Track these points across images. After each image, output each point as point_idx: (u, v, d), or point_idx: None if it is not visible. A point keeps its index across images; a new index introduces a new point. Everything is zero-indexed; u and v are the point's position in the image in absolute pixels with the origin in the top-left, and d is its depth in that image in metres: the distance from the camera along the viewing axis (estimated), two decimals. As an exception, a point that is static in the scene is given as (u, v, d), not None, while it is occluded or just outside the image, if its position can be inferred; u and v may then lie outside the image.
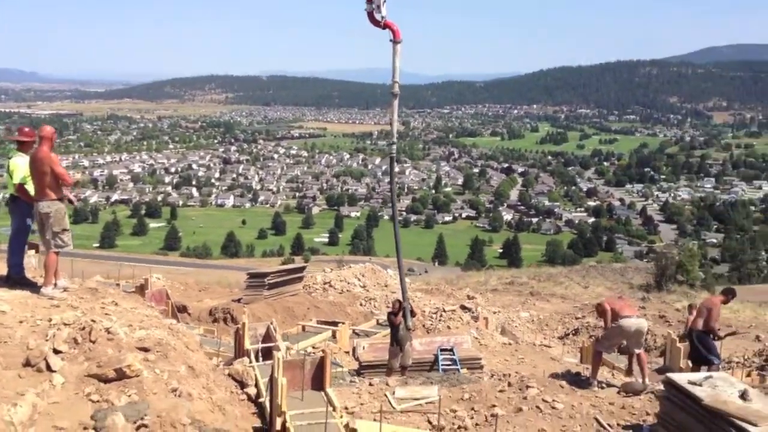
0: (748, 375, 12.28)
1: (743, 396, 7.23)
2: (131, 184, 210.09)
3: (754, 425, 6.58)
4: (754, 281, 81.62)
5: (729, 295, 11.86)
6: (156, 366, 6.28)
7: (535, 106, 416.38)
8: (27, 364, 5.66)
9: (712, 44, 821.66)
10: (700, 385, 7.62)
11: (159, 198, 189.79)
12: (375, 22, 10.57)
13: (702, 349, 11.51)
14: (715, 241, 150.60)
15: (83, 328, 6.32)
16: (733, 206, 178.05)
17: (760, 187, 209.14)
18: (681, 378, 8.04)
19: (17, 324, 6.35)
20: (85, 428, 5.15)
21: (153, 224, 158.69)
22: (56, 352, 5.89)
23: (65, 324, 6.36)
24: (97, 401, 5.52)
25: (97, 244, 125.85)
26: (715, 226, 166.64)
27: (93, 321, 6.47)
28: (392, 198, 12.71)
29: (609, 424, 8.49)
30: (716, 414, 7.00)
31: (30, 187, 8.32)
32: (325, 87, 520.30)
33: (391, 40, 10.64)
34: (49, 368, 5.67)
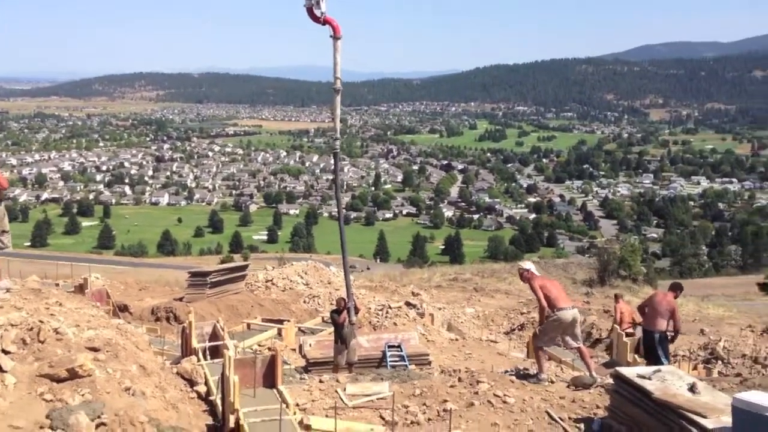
0: (695, 368, 12.69)
1: (692, 389, 7.35)
2: (61, 183, 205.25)
3: (704, 417, 6.72)
4: (695, 275, 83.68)
5: (679, 290, 12.04)
6: (107, 365, 6.14)
7: (472, 103, 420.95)
8: (-24, 365, 5.47)
9: (646, 42, 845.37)
10: (650, 378, 7.71)
11: (91, 196, 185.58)
12: (315, 18, 10.43)
13: (661, 351, 11.59)
14: (655, 236, 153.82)
15: (31, 329, 6.14)
16: (673, 201, 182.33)
17: (698, 183, 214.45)
18: (630, 372, 8.14)
19: (-39, 325, 6.13)
20: (41, 427, 5.07)
21: (86, 223, 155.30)
22: (5, 352, 5.71)
23: (12, 325, 6.17)
24: (51, 401, 5.40)
25: (29, 243, 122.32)
26: (655, 221, 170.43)
27: (41, 321, 6.29)
28: (336, 194, 12.58)
29: (560, 418, 8.58)
30: (666, 407, 7.12)
31: None
32: (260, 84, 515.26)
33: (331, 36, 10.53)
34: (0, 369, 5.50)
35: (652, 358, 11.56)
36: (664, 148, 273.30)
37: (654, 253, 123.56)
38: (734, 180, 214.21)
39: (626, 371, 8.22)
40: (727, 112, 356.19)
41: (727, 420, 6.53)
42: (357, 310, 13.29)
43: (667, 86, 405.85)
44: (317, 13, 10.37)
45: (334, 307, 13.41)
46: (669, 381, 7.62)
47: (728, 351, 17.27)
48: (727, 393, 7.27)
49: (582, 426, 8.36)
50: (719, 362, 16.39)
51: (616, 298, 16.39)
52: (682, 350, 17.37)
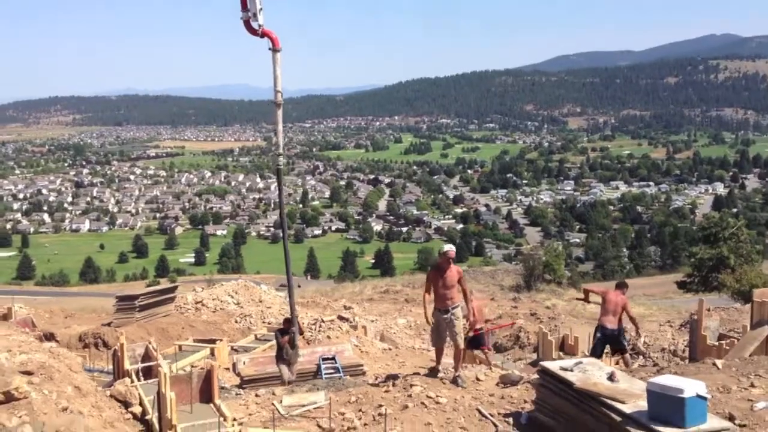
0: (617, 363, 13.22)
1: (611, 378, 7.81)
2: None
3: (622, 402, 7.15)
4: (617, 277, 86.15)
5: (625, 287, 12.88)
6: (43, 387, 6.14)
7: (396, 117, 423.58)
8: None
9: (562, 53, 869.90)
10: (572, 370, 8.16)
11: (8, 226, 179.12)
12: (252, 31, 10.15)
13: (624, 341, 12.68)
14: (578, 240, 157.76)
15: (-39, 355, 6.08)
16: (593, 206, 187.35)
17: (617, 188, 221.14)
18: (554, 365, 8.58)
19: None
20: None
21: (3, 254, 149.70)
22: (-63, 380, 5.64)
23: (-59, 352, 6.09)
24: (-13, 424, 5.35)
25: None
26: (578, 227, 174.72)
27: (-29, 347, 6.24)
28: (281, 212, 12.19)
29: (490, 414, 8.88)
30: (587, 395, 7.53)
31: None
32: (180, 105, 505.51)
33: (270, 49, 10.28)
34: (-68, 396, 5.44)
35: (617, 349, 12.67)
36: (583, 155, 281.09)
37: (577, 257, 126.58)
38: (651, 183, 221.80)
39: (550, 365, 8.64)
40: (642, 118, 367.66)
41: (643, 404, 6.99)
42: (302, 332, 13.37)
43: (583, 95, 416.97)
44: (254, 26, 10.08)
45: (281, 327, 13.46)
46: (590, 371, 8.06)
47: (648, 345, 18.02)
48: (645, 381, 7.70)
49: (511, 420, 8.68)
50: (640, 357, 17.08)
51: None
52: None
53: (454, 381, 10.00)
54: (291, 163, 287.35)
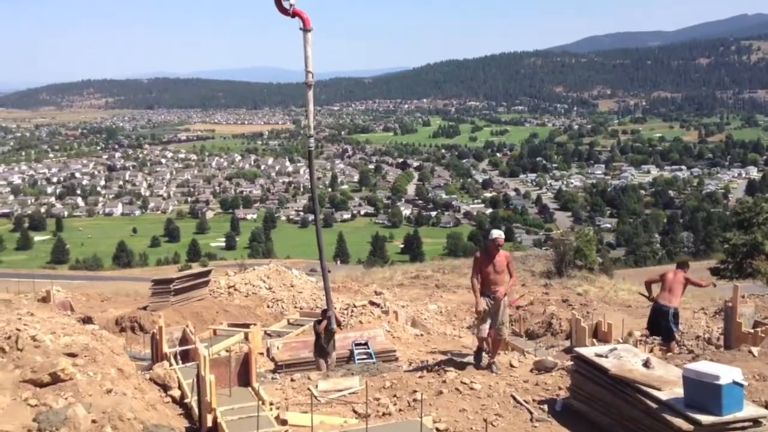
0: (651, 351, 13.16)
1: (646, 364, 7.79)
2: (11, 197, 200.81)
3: (658, 389, 7.13)
4: (649, 263, 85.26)
5: (686, 266, 12.74)
6: (87, 369, 6.28)
7: (425, 100, 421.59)
8: (-42, 374, 5.58)
9: (592, 33, 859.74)
10: (606, 356, 8.13)
11: (42, 210, 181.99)
12: (283, 11, 10.04)
13: (674, 325, 12.43)
14: (609, 226, 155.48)
15: (9, 337, 6.24)
16: (624, 191, 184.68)
17: (648, 171, 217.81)
18: (588, 351, 8.56)
19: (-63, 338, 6.20)
20: (29, 430, 5.20)
21: (38, 237, 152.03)
22: (-15, 361, 5.82)
23: (-11, 334, 6.27)
24: (36, 405, 5.53)
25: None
26: (609, 211, 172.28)
27: (18, 330, 6.40)
28: (312, 194, 12.24)
29: (525, 400, 8.90)
30: (622, 381, 7.52)
31: None
32: (210, 87, 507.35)
33: (301, 29, 10.20)
34: (-17, 377, 5.62)
35: (663, 332, 12.50)
36: (613, 138, 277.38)
37: (609, 243, 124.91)
38: (683, 167, 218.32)
39: (585, 351, 8.62)
40: (674, 100, 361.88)
41: (679, 391, 6.96)
42: (339, 322, 13.45)
43: (614, 77, 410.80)
44: (285, 5, 10.04)
45: (318, 318, 13.59)
46: (624, 358, 8.04)
47: (682, 333, 17.83)
48: (680, 368, 7.67)
49: (545, 407, 8.69)
50: (674, 344, 16.92)
51: None
52: (638, 333, 17.88)
53: (489, 367, 10.02)
54: (320, 147, 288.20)
